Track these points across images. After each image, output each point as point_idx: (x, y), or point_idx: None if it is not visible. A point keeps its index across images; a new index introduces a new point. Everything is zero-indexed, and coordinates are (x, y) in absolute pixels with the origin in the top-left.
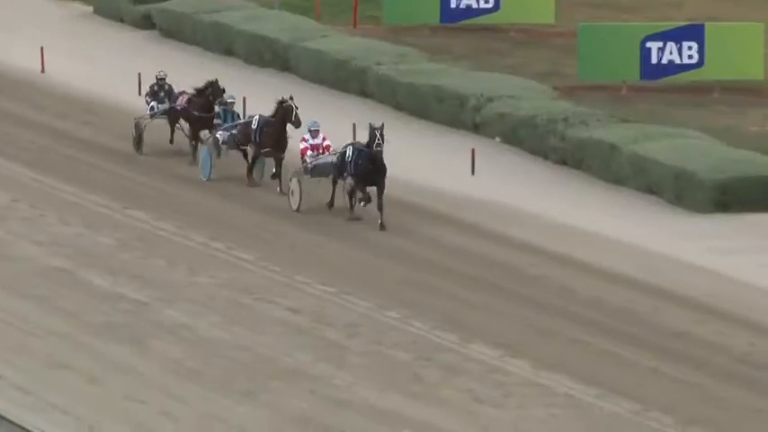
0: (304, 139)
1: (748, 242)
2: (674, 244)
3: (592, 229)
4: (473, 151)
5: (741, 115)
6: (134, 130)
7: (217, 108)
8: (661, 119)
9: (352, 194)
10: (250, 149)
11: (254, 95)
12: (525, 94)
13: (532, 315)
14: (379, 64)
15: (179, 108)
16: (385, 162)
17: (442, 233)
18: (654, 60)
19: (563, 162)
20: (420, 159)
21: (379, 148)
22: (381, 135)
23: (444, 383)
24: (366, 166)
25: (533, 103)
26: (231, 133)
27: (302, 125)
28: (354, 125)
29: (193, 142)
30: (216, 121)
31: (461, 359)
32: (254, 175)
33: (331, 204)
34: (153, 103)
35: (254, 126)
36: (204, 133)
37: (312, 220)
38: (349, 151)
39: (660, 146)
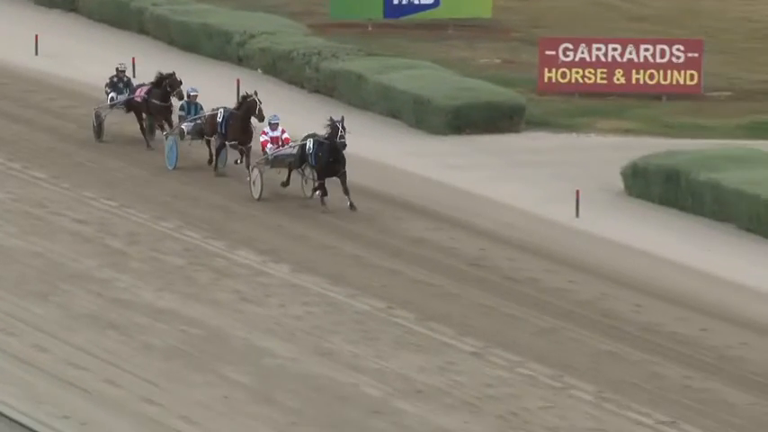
0: (264, 133)
1: (478, 160)
2: (414, 161)
3: None
4: (238, 81)
5: (472, 49)
6: (94, 119)
7: (181, 101)
8: (402, 52)
9: (319, 188)
10: (215, 140)
11: (44, 33)
12: (283, 31)
13: (288, 224)
14: (155, 5)
15: (138, 99)
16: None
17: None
18: (396, 1)
19: (317, 90)
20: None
21: (342, 140)
22: (343, 127)
23: (215, 285)
24: (326, 158)
25: (290, 39)
26: (196, 124)
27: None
28: (134, 59)
29: (155, 129)
30: (180, 112)
31: (230, 264)
32: (219, 165)
33: (286, 183)
34: (112, 94)
35: (219, 119)
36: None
37: (105, 146)
38: (309, 143)
39: (401, 76)
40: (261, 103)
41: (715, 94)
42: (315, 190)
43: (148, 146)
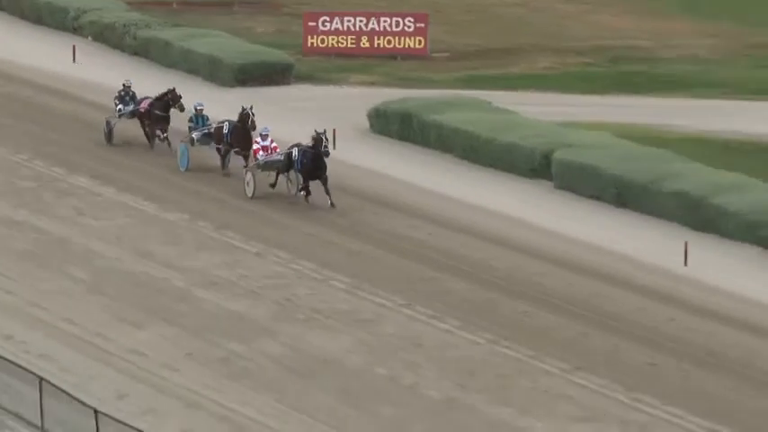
0: (256, 141)
1: (259, 106)
2: (210, 105)
3: None
4: (74, 47)
5: (252, 22)
6: (105, 127)
7: (181, 111)
8: (199, 24)
9: (304, 189)
10: (222, 147)
11: None
12: (108, 7)
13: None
14: None
15: (142, 110)
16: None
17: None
18: None
19: (135, 53)
20: (34, 53)
21: (326, 149)
22: (326, 138)
23: (57, 203)
24: (310, 164)
25: (114, 14)
26: (203, 133)
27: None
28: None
29: (157, 135)
30: (189, 123)
31: (69, 186)
32: (226, 166)
33: (273, 185)
34: (120, 106)
35: (225, 131)
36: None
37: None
38: (295, 152)
39: (199, 42)
40: (254, 115)
41: (438, 55)
42: (300, 190)
43: (152, 147)
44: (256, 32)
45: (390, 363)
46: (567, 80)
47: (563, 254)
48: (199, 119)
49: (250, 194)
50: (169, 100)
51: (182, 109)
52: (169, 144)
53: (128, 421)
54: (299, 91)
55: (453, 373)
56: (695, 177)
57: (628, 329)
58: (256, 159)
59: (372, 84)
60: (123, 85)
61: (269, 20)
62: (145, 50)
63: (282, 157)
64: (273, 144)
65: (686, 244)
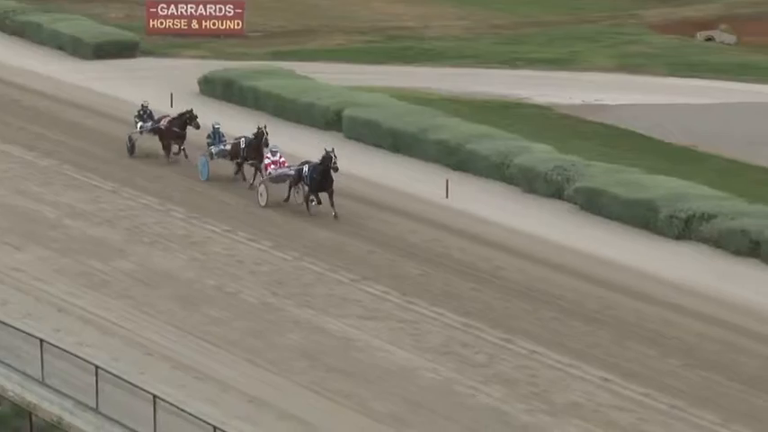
0: (267, 157)
1: (113, 74)
2: (74, 75)
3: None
4: None
5: (106, 8)
6: (128, 142)
7: (197, 129)
8: (65, 10)
9: (307, 198)
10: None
11: None
12: None
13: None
14: None
15: (163, 127)
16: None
17: None
18: None
19: (14, 33)
20: None
21: (335, 165)
22: (335, 156)
23: None
24: (319, 179)
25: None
26: (221, 149)
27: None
28: None
29: (176, 149)
30: (207, 140)
31: None
32: (240, 173)
33: (287, 199)
34: (140, 123)
35: (242, 146)
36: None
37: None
38: (305, 168)
39: (64, 24)
40: (267, 134)
41: (252, 34)
42: (306, 199)
43: (168, 159)
44: (110, 17)
45: (217, 275)
46: (354, 54)
47: (351, 189)
48: (216, 135)
49: (263, 204)
50: (187, 119)
51: (197, 127)
52: (186, 155)
53: (10, 323)
54: (144, 63)
55: (267, 283)
56: (453, 129)
57: (403, 247)
58: (268, 173)
59: (203, 57)
60: (142, 105)
61: (120, 6)
62: (21, 31)
63: (292, 171)
64: (282, 159)
65: (447, 181)
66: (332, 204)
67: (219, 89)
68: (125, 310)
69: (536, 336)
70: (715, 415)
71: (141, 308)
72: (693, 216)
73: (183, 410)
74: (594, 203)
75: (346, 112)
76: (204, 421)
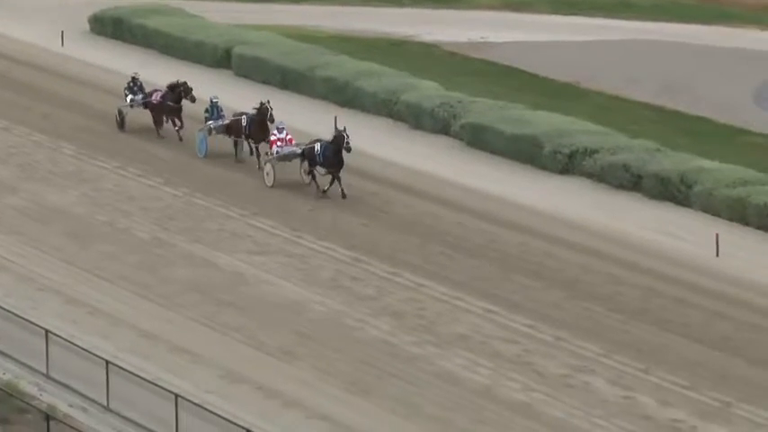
0: (273, 134)
1: (1, 11)
2: None
3: None
4: None
5: None
6: (117, 115)
7: (193, 102)
8: None
9: (312, 176)
10: (241, 140)
11: None
12: None
13: None
14: None
15: (155, 101)
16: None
17: None
18: None
19: None
20: None
21: (348, 146)
22: (347, 135)
23: None
24: (331, 158)
25: None
26: (220, 124)
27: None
28: None
29: (175, 125)
30: (205, 114)
31: None
32: (239, 154)
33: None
34: (130, 96)
35: (244, 123)
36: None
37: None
38: (317, 146)
39: None
40: (272, 109)
41: None
42: (316, 183)
43: (159, 135)
44: None
45: (108, 211)
46: None
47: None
48: (213, 109)
49: (270, 184)
50: (181, 92)
51: (193, 100)
52: (180, 138)
53: None
54: (38, 2)
55: (158, 219)
56: (341, 66)
57: (292, 184)
58: (275, 151)
59: None
60: (132, 77)
61: None
62: None
63: (299, 150)
64: (289, 136)
65: (335, 118)
66: (339, 183)
67: (109, 28)
68: (16, 245)
69: (423, 269)
70: (598, 345)
71: (33, 244)
72: (576, 151)
73: (74, 345)
74: (480, 139)
75: (235, 50)
76: (96, 355)
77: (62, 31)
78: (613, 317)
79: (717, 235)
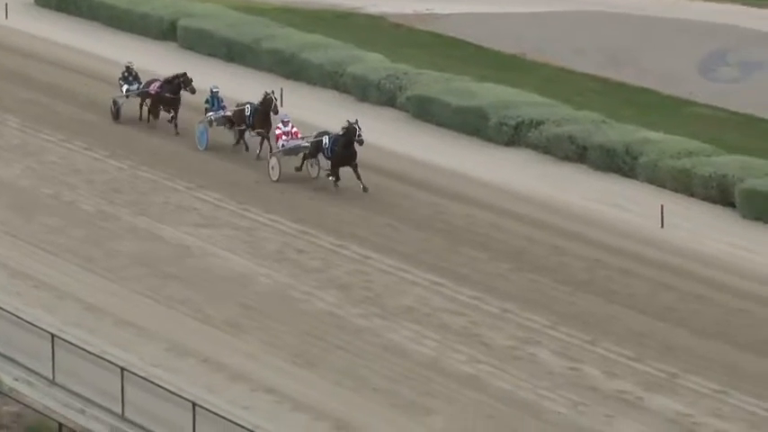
0: (278, 128)
1: None
2: None
3: None
4: None
5: None
6: (113, 106)
7: (193, 93)
8: None
9: (332, 174)
10: (243, 130)
11: None
12: None
13: None
14: None
15: (152, 91)
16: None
17: None
18: None
19: None
20: None
21: (360, 138)
22: (359, 127)
23: None
24: (341, 151)
25: None
26: (221, 115)
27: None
28: None
29: (170, 116)
30: (205, 105)
31: None
32: (241, 143)
33: (299, 169)
34: (125, 86)
35: (247, 113)
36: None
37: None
38: (325, 139)
39: None
40: (276, 100)
41: None
42: (329, 176)
43: (149, 122)
44: None
45: (53, 184)
46: None
47: (186, 98)
48: (214, 100)
49: (275, 178)
50: (180, 83)
51: (193, 91)
52: (176, 126)
53: None
54: None
55: (103, 192)
56: (287, 38)
57: (238, 157)
58: (280, 144)
59: None
60: (126, 66)
61: None
62: None
63: (307, 143)
64: (294, 129)
65: (282, 89)
66: (358, 177)
67: (54, 0)
68: None
69: (369, 241)
70: (544, 317)
71: None
72: (522, 123)
73: (20, 318)
74: (426, 111)
75: (181, 23)
76: (41, 329)
77: (6, 4)
78: (560, 288)
79: (662, 206)
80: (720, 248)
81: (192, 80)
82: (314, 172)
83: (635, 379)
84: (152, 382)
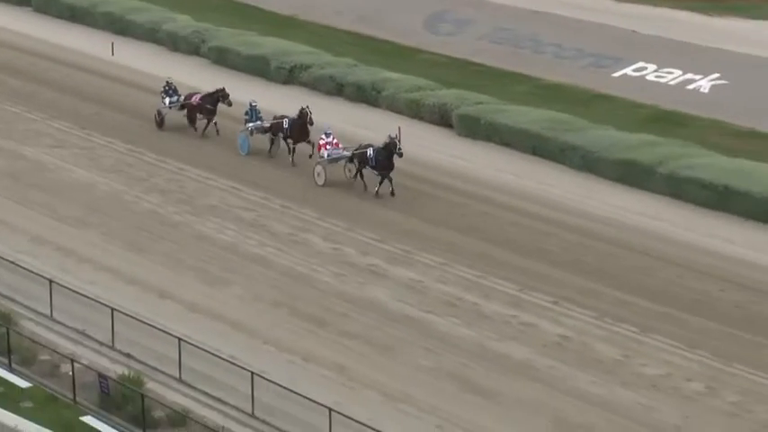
0: (321, 138)
1: None
2: None
3: None
4: None
5: None
6: (157, 116)
7: (230, 105)
8: None
9: (361, 176)
10: (278, 138)
11: None
12: None
13: None
14: None
15: (194, 103)
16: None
17: None
18: None
19: None
20: None
21: (400, 151)
22: (399, 141)
23: None
24: (384, 162)
25: None
26: (260, 126)
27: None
28: None
29: (209, 122)
30: (245, 116)
31: None
32: (273, 151)
33: (355, 177)
34: (167, 99)
35: (285, 126)
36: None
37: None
38: (370, 151)
39: None
40: (311, 113)
41: None
42: (381, 183)
43: (195, 129)
44: None
45: None
46: None
47: (32, 48)
48: (252, 112)
49: (321, 183)
50: (219, 96)
51: (230, 104)
52: (217, 132)
53: None
54: None
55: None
56: (118, 3)
57: (79, 93)
58: (325, 154)
59: None
60: (167, 81)
61: None
62: None
63: (347, 153)
64: (335, 140)
65: (112, 44)
66: (390, 183)
67: None
68: None
69: (184, 157)
70: (313, 211)
71: None
72: (295, 66)
73: None
74: (223, 59)
75: None
76: None
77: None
78: (320, 191)
79: (399, 127)
80: (442, 158)
81: (229, 95)
82: (350, 176)
83: (382, 256)
84: (17, 265)
